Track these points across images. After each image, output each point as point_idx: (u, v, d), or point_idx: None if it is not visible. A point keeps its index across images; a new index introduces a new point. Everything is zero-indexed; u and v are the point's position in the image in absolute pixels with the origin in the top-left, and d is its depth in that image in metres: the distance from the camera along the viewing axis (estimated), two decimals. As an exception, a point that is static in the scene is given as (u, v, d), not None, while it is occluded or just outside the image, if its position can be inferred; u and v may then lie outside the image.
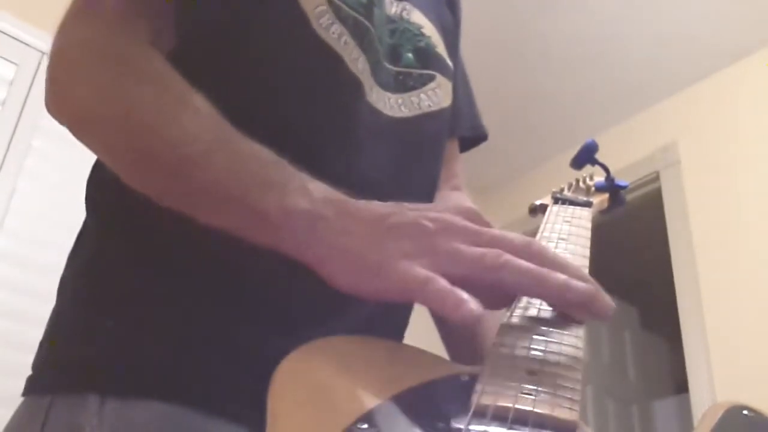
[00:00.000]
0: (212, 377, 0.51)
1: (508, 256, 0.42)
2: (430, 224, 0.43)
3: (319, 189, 0.46)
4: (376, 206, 0.45)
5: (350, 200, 0.46)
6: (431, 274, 0.40)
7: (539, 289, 0.42)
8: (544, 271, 0.42)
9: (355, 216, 0.44)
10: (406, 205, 0.46)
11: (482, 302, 0.43)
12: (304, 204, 0.45)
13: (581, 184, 0.84)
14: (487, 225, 0.46)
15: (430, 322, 0.77)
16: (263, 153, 0.48)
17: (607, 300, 0.43)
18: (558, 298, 0.43)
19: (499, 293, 0.44)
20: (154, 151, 0.49)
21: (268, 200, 0.45)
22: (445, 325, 0.75)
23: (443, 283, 0.40)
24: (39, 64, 2.07)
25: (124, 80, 0.52)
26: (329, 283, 0.44)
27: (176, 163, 0.48)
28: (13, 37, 2.06)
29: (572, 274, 0.43)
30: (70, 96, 0.54)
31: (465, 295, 0.39)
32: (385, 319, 0.61)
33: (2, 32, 2.05)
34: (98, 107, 0.52)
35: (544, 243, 0.46)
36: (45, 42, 2.07)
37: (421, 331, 0.75)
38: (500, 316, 0.73)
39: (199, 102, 0.50)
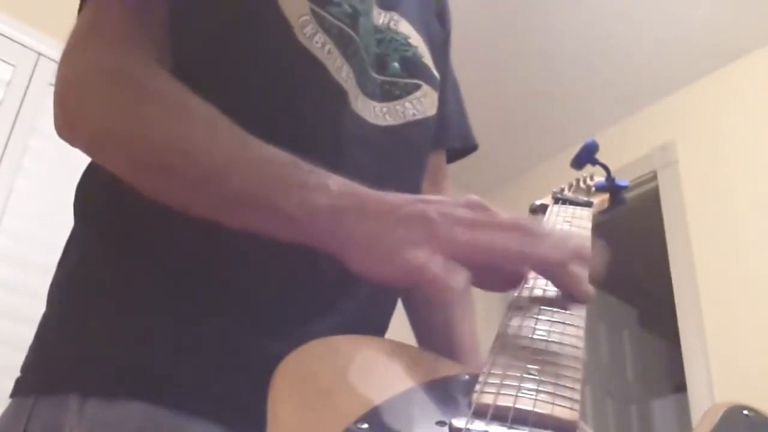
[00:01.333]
0: (192, 378, 0.52)
1: (495, 238, 0.46)
2: (434, 215, 0.46)
3: (337, 183, 0.49)
4: (390, 197, 0.48)
5: (367, 191, 0.49)
6: (429, 259, 0.44)
7: (523, 263, 0.47)
8: (526, 249, 0.46)
9: (371, 207, 0.47)
10: (417, 197, 0.49)
11: (488, 285, 0.49)
12: (325, 200, 0.47)
13: (581, 184, 0.84)
14: (489, 211, 0.49)
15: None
16: (279, 155, 0.50)
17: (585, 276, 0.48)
18: (540, 269, 0.47)
19: (502, 276, 0.49)
20: (176, 167, 0.50)
21: (292, 201, 0.48)
22: (416, 314, 0.76)
23: (438, 266, 0.44)
24: (36, 64, 2.07)
25: (139, 101, 0.53)
26: (349, 268, 0.47)
27: (199, 177, 0.50)
28: (10, 38, 2.06)
29: (555, 242, 0.47)
30: (85, 121, 0.55)
31: (454, 272, 0.44)
32: (368, 321, 0.62)
33: (-1, 33, 2.05)
34: (117, 131, 0.53)
35: (532, 221, 0.50)
36: (42, 43, 2.06)
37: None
38: (471, 308, 0.75)
39: (213, 114, 0.52)
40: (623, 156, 2.74)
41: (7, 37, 2.05)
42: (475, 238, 0.45)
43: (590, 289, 0.48)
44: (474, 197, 0.49)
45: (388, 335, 0.66)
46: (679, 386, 2.94)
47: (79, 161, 0.61)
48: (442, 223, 0.46)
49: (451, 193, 0.82)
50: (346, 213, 0.47)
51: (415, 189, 0.70)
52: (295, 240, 0.48)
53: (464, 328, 0.74)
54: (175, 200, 0.52)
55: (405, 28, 0.71)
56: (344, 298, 0.59)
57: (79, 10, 0.61)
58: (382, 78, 0.66)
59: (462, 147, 0.83)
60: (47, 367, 0.54)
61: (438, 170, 0.79)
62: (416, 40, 0.71)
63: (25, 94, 2.02)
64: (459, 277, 0.43)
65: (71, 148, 0.56)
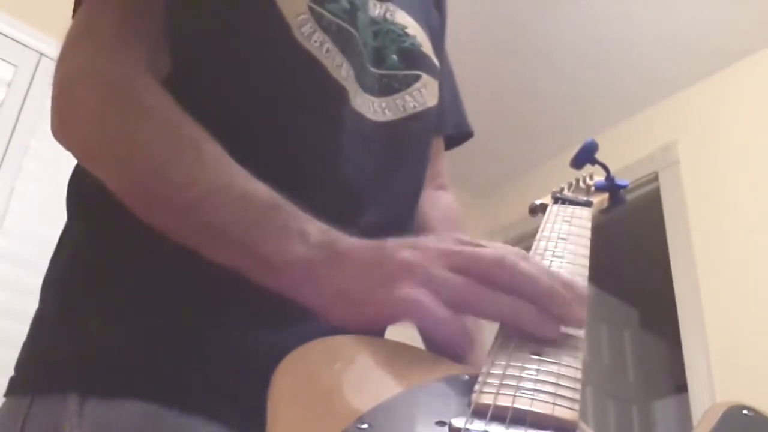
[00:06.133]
0: (191, 376, 0.52)
1: (473, 291, 0.43)
2: (411, 256, 0.45)
3: (315, 231, 0.48)
4: (369, 244, 0.47)
5: (344, 241, 0.47)
6: (415, 292, 0.42)
7: (508, 321, 0.44)
8: (507, 307, 0.43)
9: (348, 258, 0.46)
10: (398, 240, 0.47)
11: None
12: (302, 251, 0.47)
13: (581, 183, 0.84)
14: (471, 245, 0.46)
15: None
16: (264, 194, 0.49)
17: (576, 319, 0.44)
18: (524, 329, 0.43)
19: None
20: (157, 192, 0.50)
21: (268, 247, 0.47)
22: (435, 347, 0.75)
23: (425, 297, 0.42)
24: (37, 65, 2.07)
25: (124, 116, 0.52)
26: (328, 322, 0.46)
27: (179, 205, 0.49)
28: (12, 39, 2.06)
29: (542, 289, 0.43)
30: (74, 130, 0.55)
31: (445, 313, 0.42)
32: None
33: (0, 33, 2.05)
34: (101, 145, 0.52)
35: (518, 254, 0.46)
36: (43, 43, 2.07)
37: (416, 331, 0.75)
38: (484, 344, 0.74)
39: (200, 138, 0.51)
40: (625, 157, 2.74)
41: (8, 37, 2.06)
42: (453, 287, 0.43)
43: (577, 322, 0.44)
44: (456, 235, 0.48)
45: (387, 335, 0.66)
46: (681, 387, 2.94)
47: (80, 162, 0.62)
48: (421, 262, 0.44)
49: (449, 175, 0.82)
50: (322, 265, 0.46)
51: (417, 182, 0.70)
52: (271, 287, 0.48)
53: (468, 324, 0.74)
54: (155, 223, 0.51)
55: (402, 18, 0.70)
56: None
57: (75, 9, 0.60)
58: (381, 72, 0.66)
59: (457, 134, 0.83)
60: (44, 366, 0.54)
61: (435, 153, 0.78)
62: (414, 29, 0.70)
63: (26, 95, 2.03)
64: (443, 309, 0.42)
65: (71, 148, 0.56)
